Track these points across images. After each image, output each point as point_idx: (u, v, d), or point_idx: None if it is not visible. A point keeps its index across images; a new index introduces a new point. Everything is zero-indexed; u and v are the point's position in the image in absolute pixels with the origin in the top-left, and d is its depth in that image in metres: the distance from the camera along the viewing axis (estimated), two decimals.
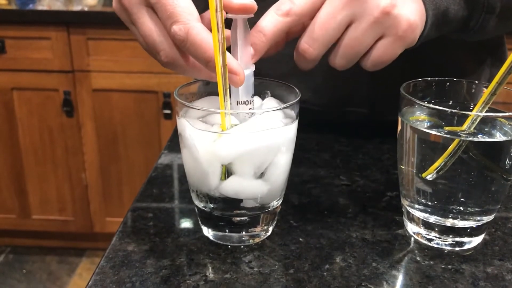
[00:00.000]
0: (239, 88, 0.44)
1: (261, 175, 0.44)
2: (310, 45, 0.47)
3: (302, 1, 0.46)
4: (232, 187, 0.44)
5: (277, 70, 0.72)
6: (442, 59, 0.70)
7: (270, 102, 0.48)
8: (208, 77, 0.46)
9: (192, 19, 0.41)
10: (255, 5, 0.43)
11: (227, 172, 0.44)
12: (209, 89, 0.49)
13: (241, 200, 0.45)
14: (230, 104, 0.43)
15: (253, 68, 0.45)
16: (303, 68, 0.50)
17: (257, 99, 0.48)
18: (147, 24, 0.44)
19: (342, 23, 0.46)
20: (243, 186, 0.44)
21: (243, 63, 0.44)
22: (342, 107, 0.76)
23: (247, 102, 0.45)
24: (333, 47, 0.49)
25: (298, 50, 0.48)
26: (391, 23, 0.47)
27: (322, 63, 0.70)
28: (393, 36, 0.48)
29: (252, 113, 0.44)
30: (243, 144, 0.43)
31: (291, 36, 0.50)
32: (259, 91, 0.49)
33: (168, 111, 1.85)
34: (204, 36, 0.41)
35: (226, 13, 0.42)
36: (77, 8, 1.84)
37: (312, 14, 0.47)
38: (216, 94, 0.43)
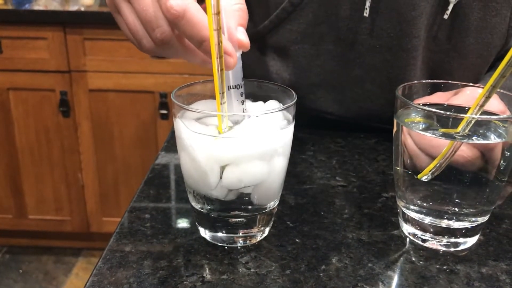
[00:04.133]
0: (229, 72, 0.44)
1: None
2: None
3: None
4: (233, 176, 0.44)
5: (307, 79, 0.72)
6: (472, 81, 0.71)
7: (272, 104, 0.48)
8: (201, 60, 0.45)
9: None
10: (249, 44, 0.44)
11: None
12: (207, 92, 0.49)
13: (238, 201, 0.46)
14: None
15: (240, 51, 0.45)
16: None
17: (249, 102, 0.48)
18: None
19: None
20: (245, 170, 0.44)
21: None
22: (367, 122, 0.76)
23: (238, 86, 0.45)
24: None
25: None
26: None
27: (352, 78, 0.71)
28: None
29: (249, 116, 0.44)
30: (239, 148, 0.43)
31: None
32: (257, 94, 0.50)
33: (164, 111, 1.84)
34: (202, 15, 0.41)
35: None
36: (73, 8, 1.83)
37: None
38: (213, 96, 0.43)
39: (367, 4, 0.63)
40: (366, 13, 0.64)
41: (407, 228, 0.51)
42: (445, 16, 0.64)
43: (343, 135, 0.75)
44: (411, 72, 0.68)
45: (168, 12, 0.41)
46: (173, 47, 0.44)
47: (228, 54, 0.41)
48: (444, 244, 0.49)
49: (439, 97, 0.52)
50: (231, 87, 0.45)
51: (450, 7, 0.63)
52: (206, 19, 0.40)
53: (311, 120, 0.76)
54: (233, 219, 0.47)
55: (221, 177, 0.44)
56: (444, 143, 0.44)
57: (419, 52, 0.67)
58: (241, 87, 0.45)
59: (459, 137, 0.45)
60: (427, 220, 0.48)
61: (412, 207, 0.49)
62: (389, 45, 0.66)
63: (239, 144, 0.43)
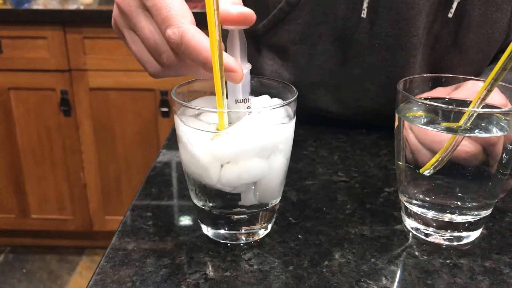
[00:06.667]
0: (237, 86, 0.44)
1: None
2: None
3: None
4: (232, 173, 0.44)
5: (307, 79, 0.72)
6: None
7: (273, 101, 0.48)
8: (207, 77, 0.46)
9: (186, 22, 0.41)
10: (254, 14, 0.43)
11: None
12: (206, 88, 0.49)
13: (240, 198, 0.45)
14: (228, 103, 0.43)
15: (249, 66, 0.46)
16: None
17: (252, 97, 0.48)
18: (148, 27, 0.44)
19: None
20: (244, 167, 0.44)
21: (240, 62, 0.45)
22: (367, 121, 0.76)
23: (245, 100, 0.45)
24: None
25: None
26: None
27: (352, 78, 0.71)
28: None
29: (249, 112, 0.44)
30: (240, 144, 0.43)
31: None
32: (258, 90, 0.50)
33: (165, 109, 1.84)
34: (198, 38, 0.41)
35: (222, 26, 0.42)
36: (72, 7, 1.83)
37: None
38: (214, 93, 0.43)
39: (365, 5, 0.63)
40: (363, 14, 0.64)
41: (409, 223, 0.51)
42: (450, 15, 0.63)
43: (345, 130, 0.75)
44: (411, 70, 0.68)
45: (168, 42, 0.42)
46: (181, 68, 0.45)
47: (231, 71, 0.41)
48: (447, 238, 0.49)
49: (440, 92, 0.52)
50: (239, 101, 0.45)
51: (455, 5, 0.62)
52: (204, 40, 0.41)
53: (312, 119, 0.76)
54: (235, 216, 0.47)
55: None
56: (446, 137, 0.44)
57: (419, 50, 0.67)
58: (248, 101, 0.46)
59: (461, 131, 0.44)
60: (430, 214, 0.48)
61: (414, 201, 0.49)
62: (388, 44, 0.66)
63: (239, 139, 0.43)
